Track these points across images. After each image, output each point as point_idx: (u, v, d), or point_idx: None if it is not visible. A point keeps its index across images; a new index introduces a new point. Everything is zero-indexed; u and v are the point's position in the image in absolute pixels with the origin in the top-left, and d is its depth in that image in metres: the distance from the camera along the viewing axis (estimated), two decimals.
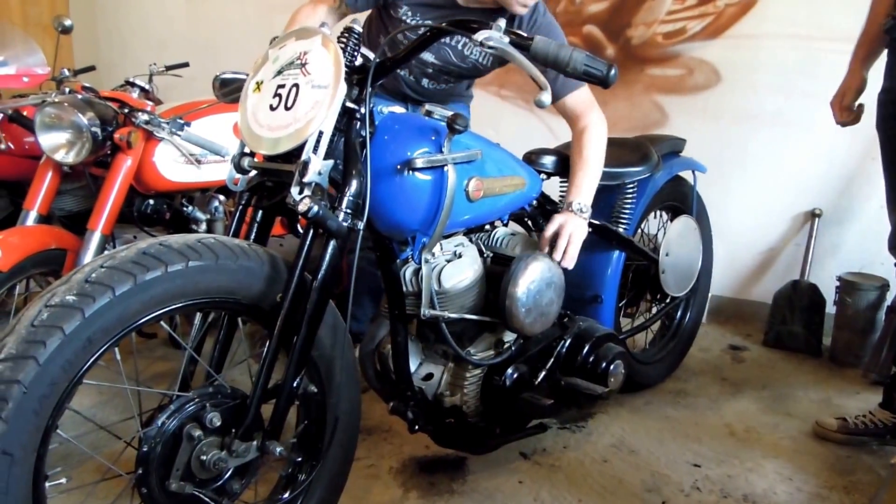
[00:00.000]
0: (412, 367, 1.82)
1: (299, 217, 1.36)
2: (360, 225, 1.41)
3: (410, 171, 1.51)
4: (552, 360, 1.95)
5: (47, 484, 1.20)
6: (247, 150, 1.49)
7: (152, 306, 1.23)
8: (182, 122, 2.10)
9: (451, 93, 2.39)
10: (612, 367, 1.99)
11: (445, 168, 1.54)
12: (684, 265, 2.43)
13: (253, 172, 1.52)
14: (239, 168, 1.52)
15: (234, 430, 1.35)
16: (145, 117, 2.06)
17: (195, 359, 1.45)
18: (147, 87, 2.21)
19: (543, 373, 1.93)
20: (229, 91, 1.98)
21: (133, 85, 2.19)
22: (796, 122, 3.00)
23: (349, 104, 1.42)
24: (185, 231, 2.42)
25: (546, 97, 1.30)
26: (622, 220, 2.19)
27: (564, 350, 1.98)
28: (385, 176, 1.52)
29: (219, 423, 1.33)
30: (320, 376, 1.51)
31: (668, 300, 2.52)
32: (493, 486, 1.98)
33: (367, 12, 2.25)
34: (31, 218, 2.06)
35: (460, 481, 2.00)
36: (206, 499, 1.34)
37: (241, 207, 1.55)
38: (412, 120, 1.60)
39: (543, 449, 2.17)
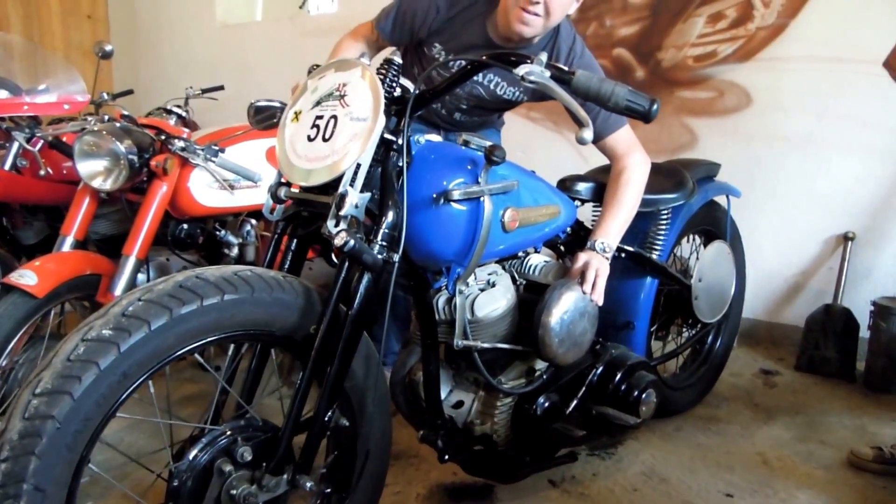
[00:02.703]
0: (442, 394, 1.82)
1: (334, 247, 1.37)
2: (396, 257, 1.41)
3: (447, 202, 1.51)
4: (584, 388, 1.94)
5: None
6: (283, 179, 1.51)
7: (188, 339, 1.24)
8: (216, 148, 2.12)
9: (482, 124, 2.42)
10: (644, 395, 1.97)
11: (482, 199, 1.53)
12: (717, 291, 2.40)
13: (289, 202, 1.54)
14: (276, 197, 1.53)
15: (264, 464, 1.35)
16: (181, 144, 2.08)
17: (226, 389, 1.45)
18: (183, 113, 2.25)
19: (575, 402, 1.92)
20: (263, 118, 2.01)
21: (170, 112, 2.22)
22: (828, 145, 2.97)
23: (387, 135, 1.43)
24: (217, 255, 2.46)
25: (588, 134, 1.29)
26: (655, 247, 2.18)
27: (596, 378, 1.97)
28: (421, 206, 1.51)
29: (250, 458, 1.33)
30: (352, 408, 1.51)
31: (699, 326, 2.49)
32: None
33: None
34: (68, 244, 2.09)
35: None
36: None
37: (276, 236, 1.57)
38: (449, 150, 1.60)
39: (573, 476, 2.15)
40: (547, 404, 1.88)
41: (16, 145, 2.29)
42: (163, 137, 2.13)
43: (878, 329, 2.73)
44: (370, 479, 1.56)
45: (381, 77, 1.44)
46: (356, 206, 1.36)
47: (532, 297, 1.83)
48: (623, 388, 1.97)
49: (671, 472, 2.18)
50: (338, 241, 1.31)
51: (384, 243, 1.39)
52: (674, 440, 2.37)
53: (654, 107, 1.34)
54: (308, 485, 1.38)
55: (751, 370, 2.97)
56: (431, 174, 1.53)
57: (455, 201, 1.51)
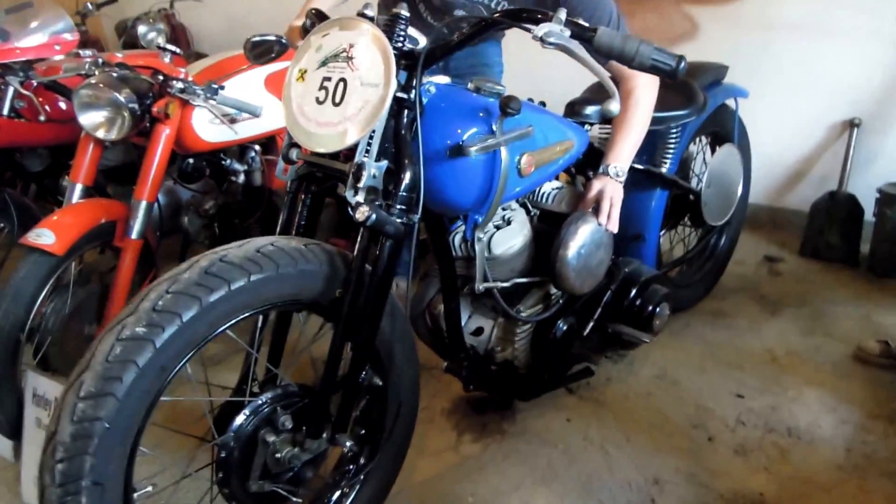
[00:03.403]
0: (462, 321, 1.87)
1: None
2: (416, 218, 1.42)
3: (462, 155, 1.49)
4: (599, 309, 2.00)
5: (136, 495, 1.29)
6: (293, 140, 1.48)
7: (219, 323, 1.26)
8: (216, 86, 2.05)
9: (482, 41, 2.34)
10: (657, 309, 2.04)
11: (498, 149, 1.52)
12: (725, 194, 2.41)
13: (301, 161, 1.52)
14: (287, 159, 1.52)
15: (304, 428, 1.42)
16: (180, 85, 2.02)
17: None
18: (177, 51, 2.15)
19: (591, 323, 1.98)
20: (260, 52, 1.94)
21: (164, 49, 2.13)
22: (834, 32, 2.88)
23: (398, 94, 1.39)
24: (224, 182, 2.45)
25: (615, 106, 1.27)
26: (665, 161, 2.17)
27: (611, 297, 2.02)
28: (436, 158, 1.49)
29: (290, 426, 1.40)
30: (382, 363, 1.56)
31: (707, 226, 2.52)
32: (542, 425, 2.08)
33: None
34: (78, 191, 2.07)
35: (510, 421, 2.10)
36: (284, 492, 1.43)
37: (290, 196, 1.56)
38: (462, 98, 1.55)
39: (587, 382, 2.25)
40: (565, 328, 1.94)
41: (11, 90, 2.23)
42: (161, 79, 2.06)
43: (884, 216, 2.76)
44: (402, 426, 1.64)
45: (388, 32, 1.39)
46: (374, 177, 1.35)
47: (547, 228, 1.85)
48: (637, 303, 2.03)
49: (682, 373, 2.28)
50: (359, 216, 1.31)
51: (403, 207, 1.39)
52: (683, 338, 2.46)
53: (682, 65, 1.30)
54: (348, 444, 1.46)
55: (755, 257, 3.03)
56: (445, 124, 1.50)
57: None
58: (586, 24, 1.31)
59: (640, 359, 2.36)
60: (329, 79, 1.38)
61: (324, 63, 1.41)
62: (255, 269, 1.29)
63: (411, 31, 1.45)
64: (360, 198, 1.34)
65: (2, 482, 1.91)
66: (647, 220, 2.20)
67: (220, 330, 1.28)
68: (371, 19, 1.43)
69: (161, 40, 4.66)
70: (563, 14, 1.29)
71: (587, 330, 1.97)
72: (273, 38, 1.93)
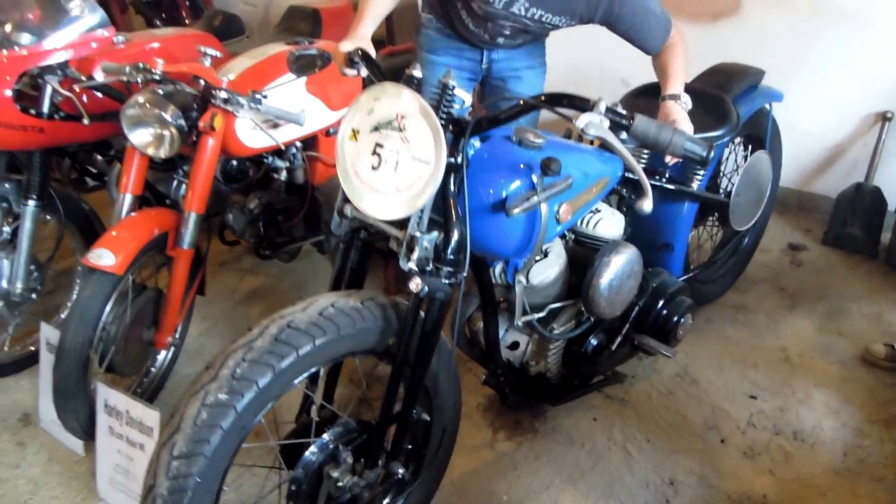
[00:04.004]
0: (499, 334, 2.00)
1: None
2: (462, 276, 1.51)
3: (504, 211, 1.57)
4: (628, 324, 2.11)
5: None
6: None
7: (289, 382, 1.41)
8: (259, 96, 2.10)
9: (526, 42, 2.36)
10: (682, 320, 2.14)
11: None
12: (754, 200, 2.46)
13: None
14: (341, 213, 1.61)
15: (362, 460, 1.58)
16: (224, 96, 2.06)
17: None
18: (218, 54, 2.18)
19: (619, 338, 2.10)
20: (301, 66, 1.99)
21: (205, 55, 2.16)
22: (875, 21, 2.84)
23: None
24: (268, 183, 2.53)
25: (647, 204, 1.34)
26: (696, 178, 2.22)
27: (638, 311, 2.13)
28: (479, 213, 1.58)
29: (351, 461, 1.55)
30: (429, 395, 1.70)
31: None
32: (571, 424, 2.23)
33: None
34: (128, 201, 2.16)
35: (542, 419, 2.25)
36: None
37: (343, 247, 1.66)
38: (504, 152, 1.61)
39: None
40: (595, 343, 2.06)
41: (49, 89, 2.27)
42: (203, 85, 2.11)
43: None
44: (445, 447, 1.79)
45: (436, 103, 1.45)
46: (426, 248, 1.44)
47: (582, 253, 1.94)
48: (663, 315, 2.14)
49: (701, 372, 2.41)
50: (413, 288, 1.42)
51: (451, 269, 1.49)
52: (704, 335, 2.58)
53: (711, 154, 1.36)
54: (399, 471, 1.62)
55: (779, 245, 3.10)
56: (488, 180, 1.56)
57: None
58: (624, 113, 1.37)
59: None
60: (381, 146, 1.45)
61: (376, 128, 1.47)
62: (319, 334, 1.41)
63: (458, 91, 1.51)
64: (413, 265, 1.44)
65: (75, 476, 2.11)
66: (675, 230, 2.28)
67: (289, 387, 1.42)
68: (419, 84, 1.49)
69: None
70: (602, 106, 1.34)
71: (615, 344, 2.09)
72: (315, 52, 1.98)
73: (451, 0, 2.23)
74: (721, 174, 2.49)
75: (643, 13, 1.99)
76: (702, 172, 2.22)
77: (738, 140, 2.55)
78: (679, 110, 1.99)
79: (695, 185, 2.22)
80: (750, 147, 2.60)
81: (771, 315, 2.68)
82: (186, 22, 4.54)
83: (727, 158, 2.51)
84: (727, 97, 2.24)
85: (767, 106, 2.53)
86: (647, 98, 2.22)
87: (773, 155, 2.56)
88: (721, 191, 2.45)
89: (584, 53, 3.25)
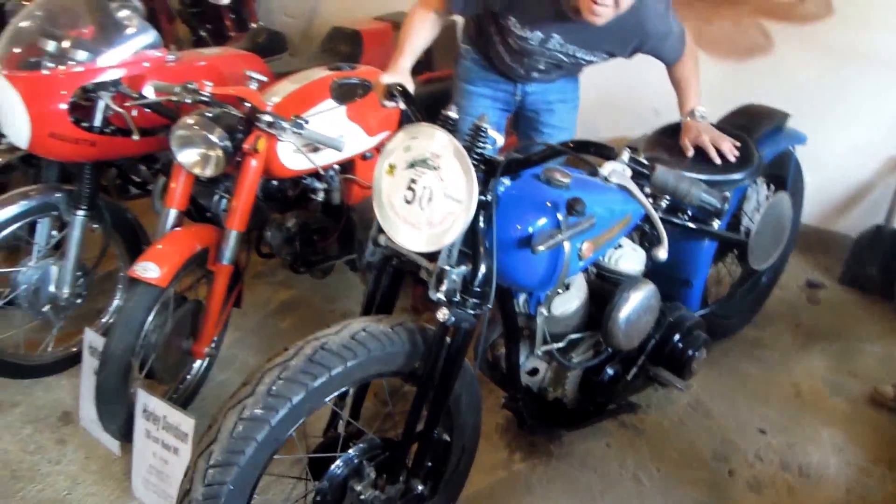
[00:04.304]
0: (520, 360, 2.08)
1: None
2: (488, 308, 1.61)
3: (529, 249, 1.66)
4: (644, 356, 2.18)
5: None
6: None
7: (320, 400, 1.51)
8: (301, 121, 2.21)
9: (560, 76, 2.48)
10: (696, 354, 2.22)
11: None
12: (773, 240, 2.52)
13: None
14: (375, 243, 1.71)
15: (385, 475, 1.67)
16: (268, 119, 2.17)
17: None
18: (264, 78, 2.30)
19: (635, 369, 2.17)
20: (343, 94, 2.09)
21: (251, 79, 2.28)
22: None
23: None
24: (304, 201, 2.64)
25: (662, 253, 1.42)
26: (717, 218, 2.29)
27: (655, 344, 2.20)
28: (505, 247, 1.66)
29: (374, 476, 1.65)
30: (450, 415, 1.79)
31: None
32: (585, 449, 2.31)
33: None
34: (173, 216, 2.27)
35: (557, 443, 2.33)
36: None
37: (376, 273, 1.76)
38: (532, 192, 1.69)
39: None
40: (611, 372, 2.14)
41: (102, 104, 2.39)
42: (247, 106, 2.23)
43: None
44: (463, 466, 1.89)
45: (469, 143, 1.54)
46: (454, 280, 1.54)
47: (602, 286, 2.03)
48: (678, 348, 2.21)
49: (714, 404, 2.48)
50: (440, 317, 1.52)
51: (477, 300, 1.58)
52: (719, 368, 2.64)
53: (725, 206, 1.45)
54: (419, 487, 1.71)
55: (797, 281, 3.16)
56: (515, 217, 1.64)
57: None
58: (645, 163, 1.46)
59: None
60: (416, 182, 1.54)
61: (412, 165, 1.56)
62: (351, 356, 1.51)
63: (490, 132, 1.60)
64: (441, 296, 1.54)
65: (111, 475, 2.23)
66: (695, 267, 2.35)
67: (320, 404, 1.52)
68: (454, 125, 1.59)
69: None
70: (626, 156, 1.43)
71: (631, 374, 2.17)
72: (357, 81, 2.08)
73: (489, 34, 2.35)
74: (742, 213, 2.55)
75: (665, 37, 2.18)
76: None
77: (760, 180, 2.61)
78: (706, 127, 2.26)
79: (715, 225, 2.29)
80: (773, 187, 2.66)
81: (785, 352, 2.74)
82: (230, 34, 4.68)
83: (749, 198, 2.57)
84: (751, 139, 2.31)
85: (791, 147, 2.60)
86: (673, 137, 2.34)
87: (795, 196, 2.63)
88: (741, 229, 2.51)
89: (614, 82, 3.34)
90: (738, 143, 2.25)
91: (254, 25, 4.79)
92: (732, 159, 2.21)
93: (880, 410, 2.46)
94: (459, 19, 2.75)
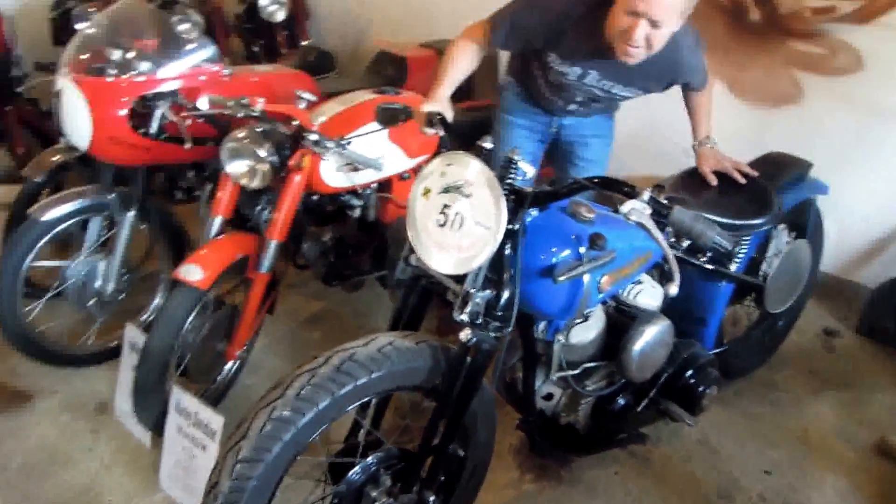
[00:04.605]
0: (536, 384, 2.17)
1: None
2: (508, 331, 1.70)
3: (551, 276, 1.75)
4: (655, 389, 2.26)
5: None
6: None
7: (345, 408, 1.61)
8: (345, 142, 2.34)
9: (597, 111, 2.61)
10: (707, 391, 2.28)
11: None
12: (790, 286, 2.59)
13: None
14: (406, 262, 1.82)
15: (399, 485, 1.77)
16: (314, 138, 2.30)
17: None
18: (313, 98, 2.44)
19: (646, 401, 2.25)
20: (387, 118, 2.20)
21: (301, 99, 2.42)
22: None
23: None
24: (342, 218, 2.76)
25: (674, 289, 1.51)
26: (735, 262, 2.37)
27: (667, 378, 2.27)
28: (528, 275, 1.75)
29: (389, 485, 1.75)
30: (466, 432, 1.88)
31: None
32: (594, 476, 2.38)
33: None
34: (218, 223, 2.41)
35: (567, 467, 2.41)
36: None
37: (405, 290, 1.87)
38: (558, 224, 1.79)
39: None
40: (623, 402, 2.22)
41: (159, 112, 2.55)
42: (296, 126, 2.36)
43: None
44: (475, 481, 1.97)
45: (501, 175, 1.65)
46: (478, 304, 1.64)
47: (619, 319, 2.11)
48: (689, 384, 2.28)
49: (723, 442, 2.54)
50: (462, 338, 1.63)
51: (498, 324, 1.68)
52: (731, 407, 2.69)
53: (736, 249, 1.54)
54: (431, 499, 1.80)
55: (814, 328, 3.20)
56: (541, 246, 1.75)
57: None
58: (665, 203, 1.55)
59: None
60: (449, 206, 1.64)
61: (446, 190, 1.66)
62: (376, 368, 1.61)
63: (521, 164, 1.71)
64: (465, 318, 1.64)
65: (140, 466, 2.35)
66: (711, 307, 2.42)
67: (344, 412, 1.63)
68: (488, 155, 1.70)
69: (281, 14, 4.99)
70: (646, 195, 1.53)
71: (641, 406, 2.24)
72: (400, 107, 2.19)
73: (531, 69, 2.48)
74: (761, 258, 2.62)
75: (697, 70, 2.35)
76: (741, 255, 2.37)
77: (781, 226, 2.68)
78: (722, 154, 2.46)
79: (733, 267, 2.37)
80: (793, 234, 2.73)
81: (797, 396, 2.79)
82: (282, 51, 4.87)
83: (769, 243, 2.64)
84: (772, 187, 2.39)
85: (812, 197, 2.66)
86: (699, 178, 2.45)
87: (814, 244, 2.69)
88: (760, 273, 2.57)
89: (648, 122, 3.46)
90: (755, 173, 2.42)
91: (304, 43, 4.97)
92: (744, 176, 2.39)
93: (886, 460, 2.49)
94: (504, 53, 2.87)
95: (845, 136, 3.13)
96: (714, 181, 2.40)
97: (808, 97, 3.21)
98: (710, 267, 2.28)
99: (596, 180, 1.63)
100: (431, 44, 4.06)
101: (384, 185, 2.77)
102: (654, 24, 1.98)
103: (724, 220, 2.21)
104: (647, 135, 3.63)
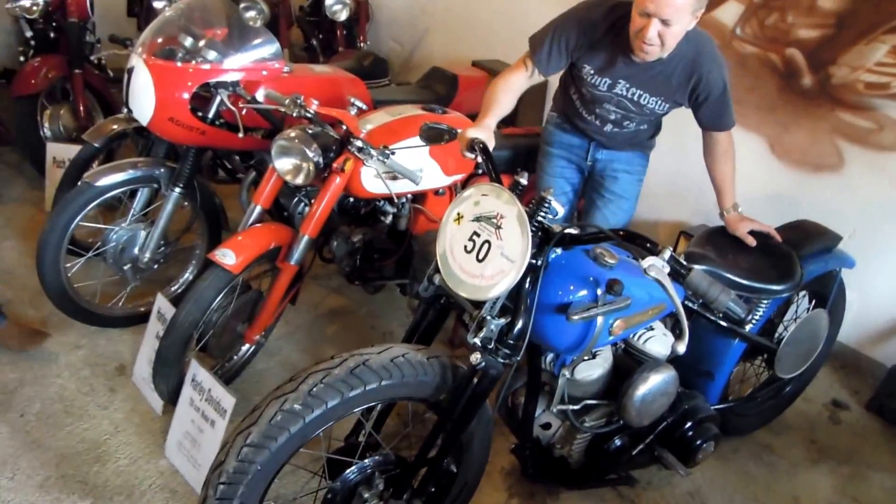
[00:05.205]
0: (536, 411, 2.23)
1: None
2: (516, 360, 1.77)
3: (566, 313, 1.81)
4: (653, 435, 2.30)
5: None
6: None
7: (351, 409, 1.69)
8: (388, 151, 2.43)
9: (633, 143, 2.69)
10: (704, 445, 2.32)
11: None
12: (802, 354, 2.61)
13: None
14: (430, 280, 1.89)
15: (391, 489, 1.84)
16: (359, 145, 2.39)
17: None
18: (364, 107, 2.53)
19: (642, 445, 2.29)
20: (430, 136, 2.28)
21: (353, 105, 2.51)
22: None
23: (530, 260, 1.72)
24: (374, 222, 2.85)
25: (682, 347, 1.56)
26: (750, 322, 2.40)
27: (666, 426, 2.32)
28: (543, 309, 1.82)
29: (382, 488, 1.82)
30: (461, 450, 1.95)
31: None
32: None
33: None
34: (257, 211, 2.52)
35: (554, 498, 2.45)
36: None
37: (425, 306, 1.95)
38: (578, 263, 1.86)
39: None
40: (619, 443, 2.26)
41: (218, 100, 2.67)
42: (343, 130, 2.45)
43: None
44: (462, 500, 2.04)
45: (532, 212, 1.71)
46: (492, 330, 1.70)
47: (626, 361, 2.17)
48: (687, 435, 2.32)
49: (712, 497, 2.56)
50: (473, 360, 1.70)
51: (508, 351, 1.74)
52: (726, 463, 2.72)
53: (749, 317, 1.58)
54: None
55: (823, 398, 3.21)
56: (559, 283, 1.80)
57: None
58: (684, 264, 1.60)
59: None
60: (478, 235, 1.72)
61: (477, 219, 1.74)
62: (387, 376, 1.69)
63: (553, 203, 1.77)
64: (478, 341, 1.71)
65: (150, 431, 2.45)
66: (719, 363, 2.45)
67: (350, 413, 1.71)
68: (522, 190, 1.77)
69: (345, 14, 5.12)
70: (667, 254, 1.59)
71: (637, 450, 2.29)
72: (445, 128, 2.27)
73: (569, 93, 2.62)
74: (779, 321, 2.65)
75: (720, 91, 2.39)
76: (757, 318, 2.41)
77: (802, 293, 2.71)
78: (746, 218, 2.50)
79: (748, 327, 2.41)
80: (813, 302, 2.76)
81: (794, 463, 2.80)
82: (339, 48, 4.99)
83: (788, 309, 2.67)
84: (796, 255, 2.42)
85: (837, 269, 2.69)
86: (727, 237, 2.49)
87: (834, 315, 2.71)
88: (775, 336, 2.61)
89: (682, 170, 3.52)
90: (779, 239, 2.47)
91: (362, 45, 5.09)
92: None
93: None
94: (551, 87, 2.96)
95: (880, 211, 3.13)
96: (753, 242, 2.44)
97: (848, 168, 3.22)
98: (723, 324, 2.32)
99: (621, 233, 1.69)
100: (484, 63, 4.17)
101: (418, 198, 2.85)
102: (664, 22, 2.13)
103: (744, 282, 2.26)
104: (681, 181, 3.69)
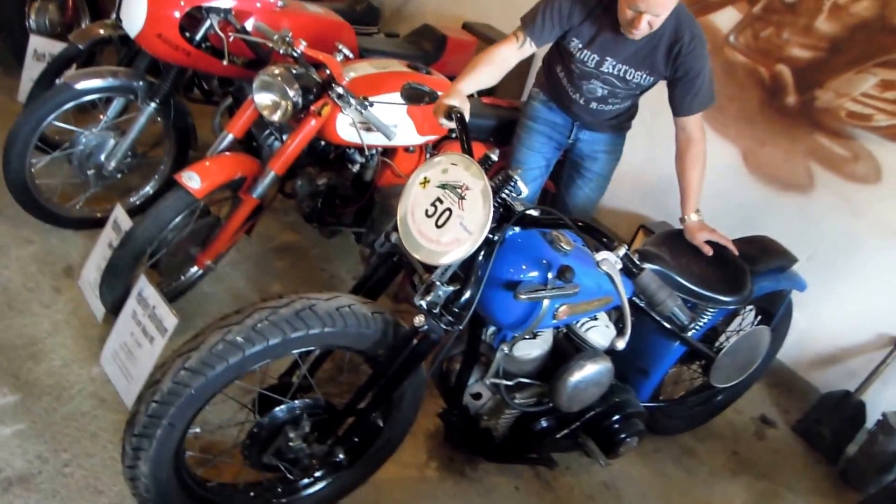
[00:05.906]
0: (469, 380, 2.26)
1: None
2: (458, 329, 1.79)
3: (513, 291, 1.83)
4: (579, 422, 2.35)
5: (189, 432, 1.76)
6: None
7: (291, 349, 1.72)
8: (367, 102, 2.42)
9: (614, 119, 2.73)
10: (628, 439, 2.37)
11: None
12: (739, 367, 2.66)
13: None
14: (387, 237, 1.90)
15: (316, 433, 1.87)
16: (340, 91, 2.38)
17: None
18: (350, 55, 2.50)
19: (567, 430, 2.35)
20: (412, 96, 2.27)
21: (339, 51, 2.48)
22: None
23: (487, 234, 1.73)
24: (340, 168, 2.84)
25: (620, 344, 1.59)
26: (694, 329, 2.45)
27: (594, 415, 2.37)
28: (494, 283, 1.84)
29: (307, 431, 1.85)
30: (391, 407, 1.98)
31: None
32: (495, 482, 2.48)
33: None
34: (228, 139, 2.52)
35: (472, 466, 2.50)
36: (283, 468, 1.90)
37: (377, 261, 1.96)
38: (533, 244, 1.87)
39: None
40: (544, 424, 2.31)
41: (208, 24, 2.63)
42: (326, 75, 2.43)
43: (875, 438, 2.93)
44: (383, 454, 2.09)
45: (497, 188, 1.72)
46: (439, 295, 1.72)
47: (565, 346, 2.21)
48: (613, 428, 2.38)
49: (626, 491, 2.63)
50: (416, 322, 1.72)
51: (451, 319, 1.76)
52: (645, 462, 2.79)
53: (692, 324, 1.62)
54: (340, 456, 1.92)
55: (753, 412, 3.29)
56: (512, 261, 1.83)
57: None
58: (637, 263, 1.63)
59: None
60: (441, 201, 1.72)
61: (443, 186, 1.74)
62: (330, 323, 1.71)
63: (519, 184, 1.78)
64: (424, 304, 1.72)
65: (87, 336, 2.46)
66: (656, 362, 2.49)
67: (290, 353, 1.73)
68: (491, 166, 1.78)
69: None
70: (622, 251, 1.61)
71: (562, 434, 2.34)
72: (427, 90, 2.26)
73: (555, 69, 2.65)
74: (722, 331, 2.71)
75: (700, 66, 2.42)
76: (700, 325, 2.46)
77: (750, 308, 2.77)
78: (706, 226, 2.50)
79: (690, 332, 2.45)
80: (759, 318, 2.82)
81: (713, 471, 2.88)
82: None
83: (733, 320, 2.73)
84: (749, 270, 2.45)
85: (788, 290, 2.74)
86: (680, 240, 2.51)
87: (777, 334, 2.77)
88: (715, 344, 2.67)
89: (655, 165, 3.57)
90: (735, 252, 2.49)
91: None
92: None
93: None
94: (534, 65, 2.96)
95: (840, 240, 3.19)
96: (709, 252, 2.44)
97: (817, 192, 3.27)
98: (667, 325, 2.37)
99: (580, 224, 1.71)
100: (475, 26, 4.14)
101: (388, 152, 2.85)
102: (654, 15, 2.22)
103: (694, 288, 2.30)
104: (649, 176, 3.75)
